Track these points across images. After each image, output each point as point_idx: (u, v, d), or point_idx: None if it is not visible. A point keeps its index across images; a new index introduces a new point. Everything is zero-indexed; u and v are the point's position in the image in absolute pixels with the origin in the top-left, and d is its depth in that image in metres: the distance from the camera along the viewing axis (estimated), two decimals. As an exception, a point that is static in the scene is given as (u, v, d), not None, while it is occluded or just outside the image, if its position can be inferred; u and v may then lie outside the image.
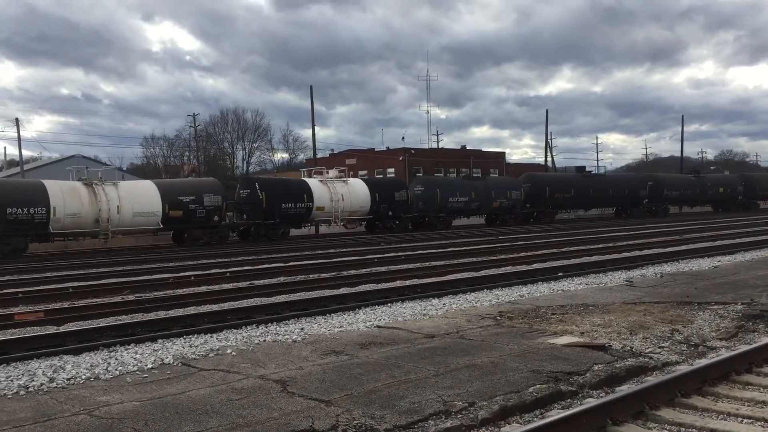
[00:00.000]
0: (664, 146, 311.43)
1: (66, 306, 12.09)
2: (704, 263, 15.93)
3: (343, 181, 36.78)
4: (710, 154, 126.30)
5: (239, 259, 21.76)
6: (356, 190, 36.24)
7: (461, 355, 6.84)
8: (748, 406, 5.24)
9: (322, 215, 34.85)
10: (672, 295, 10.57)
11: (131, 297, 13.11)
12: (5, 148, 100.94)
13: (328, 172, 37.41)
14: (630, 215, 48.97)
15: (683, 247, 20.23)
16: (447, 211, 39.17)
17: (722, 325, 8.28)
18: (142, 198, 28.65)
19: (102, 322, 10.03)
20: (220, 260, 21.18)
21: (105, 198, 27.30)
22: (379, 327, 8.76)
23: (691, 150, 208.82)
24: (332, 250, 23.88)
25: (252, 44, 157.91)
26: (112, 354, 7.77)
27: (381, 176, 56.32)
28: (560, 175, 50.48)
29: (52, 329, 9.62)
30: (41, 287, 15.04)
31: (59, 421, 5.12)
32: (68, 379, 6.52)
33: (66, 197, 26.51)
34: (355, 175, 60.84)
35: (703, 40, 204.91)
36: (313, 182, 35.13)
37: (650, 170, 66.83)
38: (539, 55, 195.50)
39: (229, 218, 32.63)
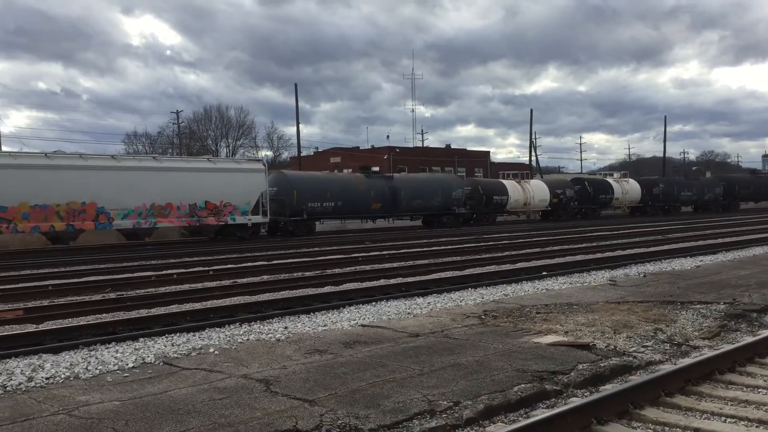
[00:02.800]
0: (648, 146, 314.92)
1: (45, 304, 11.94)
2: None
3: (626, 180, 53.37)
4: (692, 155, 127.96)
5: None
6: (633, 187, 52.61)
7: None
8: (732, 405, 5.26)
9: (616, 203, 51.70)
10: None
11: (113, 295, 12.97)
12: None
13: (612, 174, 55.47)
14: None
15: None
16: (680, 202, 55.80)
17: (705, 324, 8.32)
18: (540, 191, 45.49)
19: (83, 321, 9.91)
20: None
21: (528, 190, 44.44)
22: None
23: (674, 150, 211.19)
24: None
25: (235, 40, 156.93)
26: (93, 353, 7.66)
27: (648, 177, 67.32)
28: (743, 177, 66.46)
29: (31, 327, 9.47)
30: (20, 285, 14.84)
31: (38, 421, 5.03)
32: (47, 378, 6.42)
33: (513, 190, 43.30)
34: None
35: (688, 39, 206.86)
36: (612, 181, 52.45)
37: (633, 170, 75.00)
38: (525, 53, 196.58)
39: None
